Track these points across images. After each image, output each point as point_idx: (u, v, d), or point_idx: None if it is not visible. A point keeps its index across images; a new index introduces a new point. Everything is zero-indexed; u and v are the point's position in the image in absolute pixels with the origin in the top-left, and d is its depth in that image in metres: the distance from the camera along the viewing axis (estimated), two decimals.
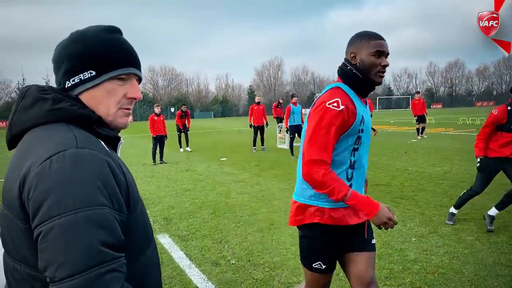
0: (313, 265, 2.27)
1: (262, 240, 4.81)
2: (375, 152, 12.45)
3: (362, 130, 2.13)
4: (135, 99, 1.14)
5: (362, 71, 2.10)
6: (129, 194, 1.01)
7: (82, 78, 1.06)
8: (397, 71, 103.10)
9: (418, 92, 17.79)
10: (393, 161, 10.61)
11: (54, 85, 1.11)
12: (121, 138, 1.13)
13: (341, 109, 2.02)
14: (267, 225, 5.36)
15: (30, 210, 0.88)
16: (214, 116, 70.46)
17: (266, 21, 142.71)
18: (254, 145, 14.32)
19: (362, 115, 2.12)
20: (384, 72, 2.15)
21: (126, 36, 1.16)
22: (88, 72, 1.06)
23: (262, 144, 14.61)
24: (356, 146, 2.13)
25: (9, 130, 1.04)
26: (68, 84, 1.06)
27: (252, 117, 14.25)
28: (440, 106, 76.85)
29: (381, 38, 2.14)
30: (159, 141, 11.98)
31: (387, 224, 2.01)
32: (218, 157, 12.67)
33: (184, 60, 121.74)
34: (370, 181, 8.03)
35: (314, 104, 2.16)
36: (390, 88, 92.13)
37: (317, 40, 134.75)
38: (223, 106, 75.56)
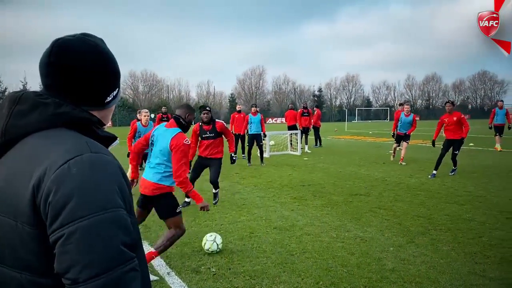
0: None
1: (242, 248, 4.81)
2: (355, 163, 12.62)
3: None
4: None
5: None
6: (131, 197, 1.05)
7: (114, 94, 1.16)
8: (376, 83, 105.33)
9: (401, 104, 18.16)
10: (372, 172, 10.77)
11: (33, 88, 1.12)
12: (118, 138, 1.17)
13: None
14: (248, 233, 5.36)
15: (48, 214, 0.88)
16: (195, 123, 70.09)
17: (247, 32, 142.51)
18: (235, 153, 14.30)
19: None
20: None
21: (107, 39, 1.21)
22: (116, 89, 1.17)
23: (243, 153, 14.61)
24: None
25: (1, 136, 1.03)
26: (108, 99, 1.14)
27: (233, 125, 14.25)
28: (417, 118, 78.33)
29: None
30: None
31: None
32: None
33: (165, 67, 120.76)
34: (349, 190, 8.14)
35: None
36: (369, 99, 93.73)
37: (296, 51, 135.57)
38: None
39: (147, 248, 4.83)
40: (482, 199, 7.23)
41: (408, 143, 12.44)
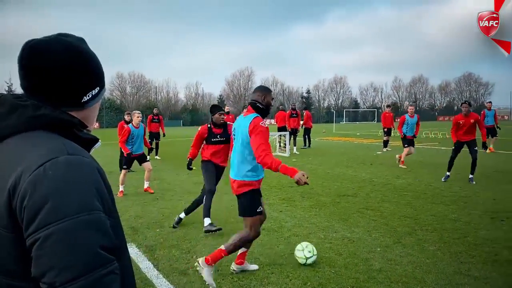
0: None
1: None
2: (343, 164, 12.69)
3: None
4: None
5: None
6: (112, 199, 1.04)
7: (93, 94, 1.13)
8: (363, 84, 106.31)
9: (389, 106, 18.42)
10: (359, 173, 10.85)
11: (18, 88, 1.11)
12: (100, 140, 1.16)
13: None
14: None
15: (24, 217, 0.87)
16: (183, 125, 69.87)
17: (235, 33, 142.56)
18: None
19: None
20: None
21: (95, 41, 1.20)
22: (96, 88, 1.14)
23: None
24: None
25: None
26: (85, 98, 1.10)
27: None
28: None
29: None
30: None
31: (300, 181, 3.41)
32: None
33: (153, 68, 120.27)
34: (337, 191, 8.19)
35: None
36: (356, 101, 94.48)
37: (284, 52, 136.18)
38: (192, 115, 75.17)
39: (134, 250, 4.81)
40: (467, 199, 7.33)
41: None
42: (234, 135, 3.94)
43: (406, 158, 12.19)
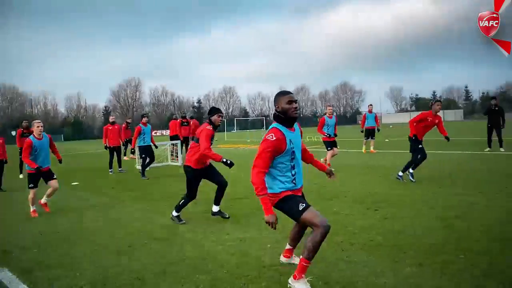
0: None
1: (118, 263, 4.55)
2: (234, 168, 12.89)
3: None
4: None
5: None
6: None
7: None
8: (251, 94, 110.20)
9: None
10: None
11: None
12: None
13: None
14: (125, 248, 5.11)
15: None
16: (65, 139, 64.77)
17: (120, 44, 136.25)
18: (111, 167, 13.58)
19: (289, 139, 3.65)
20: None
21: None
22: None
23: (120, 166, 13.93)
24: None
25: None
26: None
27: (107, 138, 13.54)
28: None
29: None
30: None
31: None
32: (70, 182, 11.66)
33: (28, 80, 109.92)
34: (230, 195, 8.28)
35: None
36: (246, 110, 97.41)
37: (174, 64, 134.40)
38: (75, 128, 70.12)
39: (7, 275, 4.30)
40: (346, 194, 7.98)
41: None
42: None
43: (331, 159, 12.54)
